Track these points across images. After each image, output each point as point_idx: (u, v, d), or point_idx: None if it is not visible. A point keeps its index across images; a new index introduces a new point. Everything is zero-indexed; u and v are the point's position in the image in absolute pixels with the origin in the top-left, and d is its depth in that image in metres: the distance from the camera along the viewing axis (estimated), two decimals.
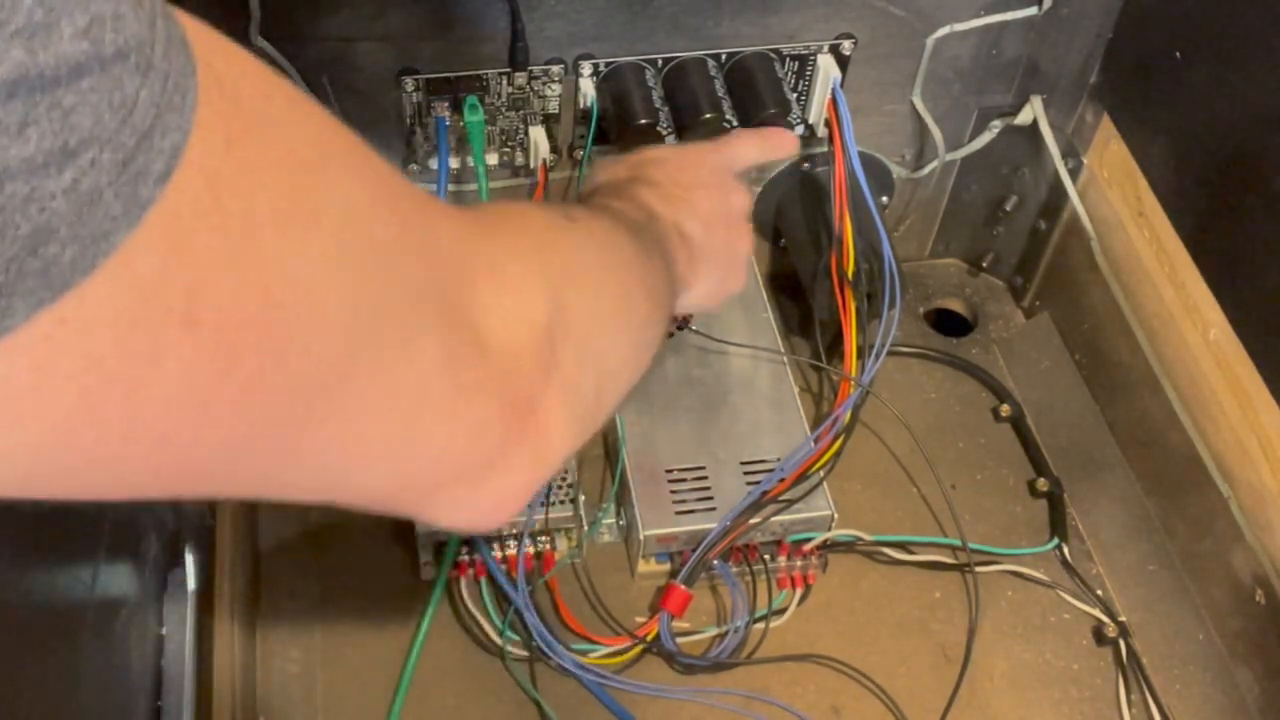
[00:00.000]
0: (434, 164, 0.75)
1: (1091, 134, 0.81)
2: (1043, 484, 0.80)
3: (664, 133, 0.72)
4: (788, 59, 0.75)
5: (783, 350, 0.81)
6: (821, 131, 0.77)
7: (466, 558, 0.73)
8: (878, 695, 0.71)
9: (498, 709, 0.70)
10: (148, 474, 0.25)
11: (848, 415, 0.75)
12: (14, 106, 0.19)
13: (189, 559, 0.55)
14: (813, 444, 0.74)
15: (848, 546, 0.76)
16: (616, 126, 0.73)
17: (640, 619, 0.73)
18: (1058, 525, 0.79)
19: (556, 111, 0.75)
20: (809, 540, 0.74)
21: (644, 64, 0.73)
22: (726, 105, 0.73)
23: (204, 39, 0.23)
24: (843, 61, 0.76)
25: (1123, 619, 0.74)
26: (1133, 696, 0.72)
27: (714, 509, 0.72)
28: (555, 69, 0.72)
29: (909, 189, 0.87)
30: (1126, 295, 0.80)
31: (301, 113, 0.26)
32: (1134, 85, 0.77)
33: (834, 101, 0.74)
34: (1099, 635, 0.74)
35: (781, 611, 0.74)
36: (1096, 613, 0.75)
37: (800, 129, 0.78)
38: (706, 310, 0.60)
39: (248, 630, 0.69)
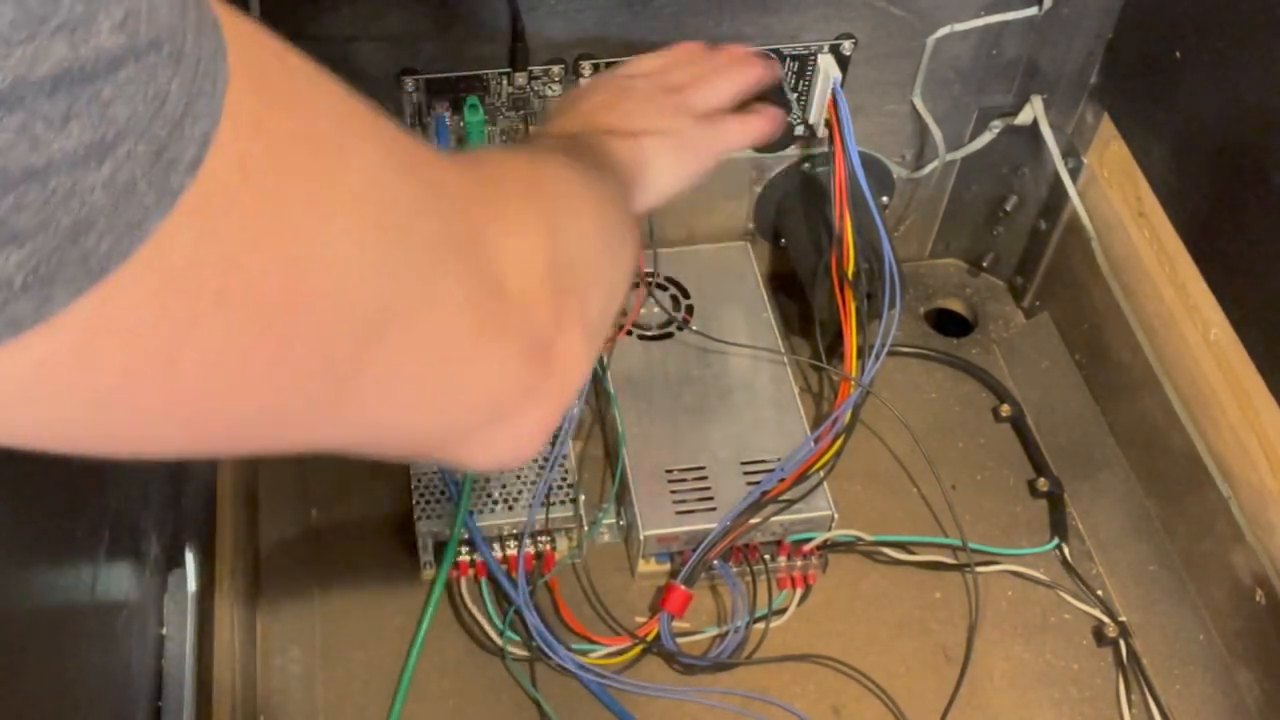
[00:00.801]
0: None
1: (1092, 134, 0.81)
2: (1043, 484, 0.80)
3: None
4: (788, 59, 0.75)
5: (783, 350, 0.81)
6: (822, 131, 0.77)
7: (467, 558, 0.73)
8: (878, 695, 0.71)
9: (497, 709, 0.70)
10: (191, 436, 0.26)
11: (848, 415, 0.75)
12: (58, 100, 0.19)
13: (189, 559, 0.55)
14: (813, 444, 0.74)
15: (848, 546, 0.76)
16: None
17: (640, 619, 0.73)
18: (1058, 525, 0.79)
19: None
20: (809, 540, 0.74)
21: None
22: None
23: (232, 20, 0.23)
24: (843, 62, 0.76)
25: (1123, 619, 0.74)
26: (1133, 696, 0.72)
27: (714, 509, 0.72)
28: (555, 69, 0.72)
29: (909, 189, 0.87)
30: (1126, 295, 0.80)
31: (322, 88, 0.27)
32: (1134, 85, 0.77)
33: (834, 101, 0.74)
34: (1099, 635, 0.74)
35: (782, 611, 0.74)
36: (1096, 613, 0.75)
37: (800, 129, 0.78)
38: (677, 193, 0.59)
39: (248, 630, 0.69)
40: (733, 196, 0.85)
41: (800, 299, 0.86)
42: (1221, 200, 0.70)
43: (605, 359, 0.79)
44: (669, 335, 0.81)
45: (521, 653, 0.71)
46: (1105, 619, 0.74)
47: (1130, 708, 0.71)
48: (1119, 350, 0.81)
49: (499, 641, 0.71)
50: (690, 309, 0.83)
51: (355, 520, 0.77)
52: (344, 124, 0.27)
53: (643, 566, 0.74)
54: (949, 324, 0.92)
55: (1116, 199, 0.79)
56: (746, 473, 0.74)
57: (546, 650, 0.70)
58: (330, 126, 0.27)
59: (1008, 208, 0.88)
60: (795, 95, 0.76)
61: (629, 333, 0.81)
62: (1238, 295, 0.69)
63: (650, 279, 0.83)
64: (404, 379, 0.30)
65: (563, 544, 0.75)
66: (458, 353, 0.32)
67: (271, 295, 0.24)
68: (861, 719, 0.71)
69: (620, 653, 0.71)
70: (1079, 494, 0.80)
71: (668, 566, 0.75)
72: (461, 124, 0.73)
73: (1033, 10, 0.76)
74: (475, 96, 0.72)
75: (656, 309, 0.82)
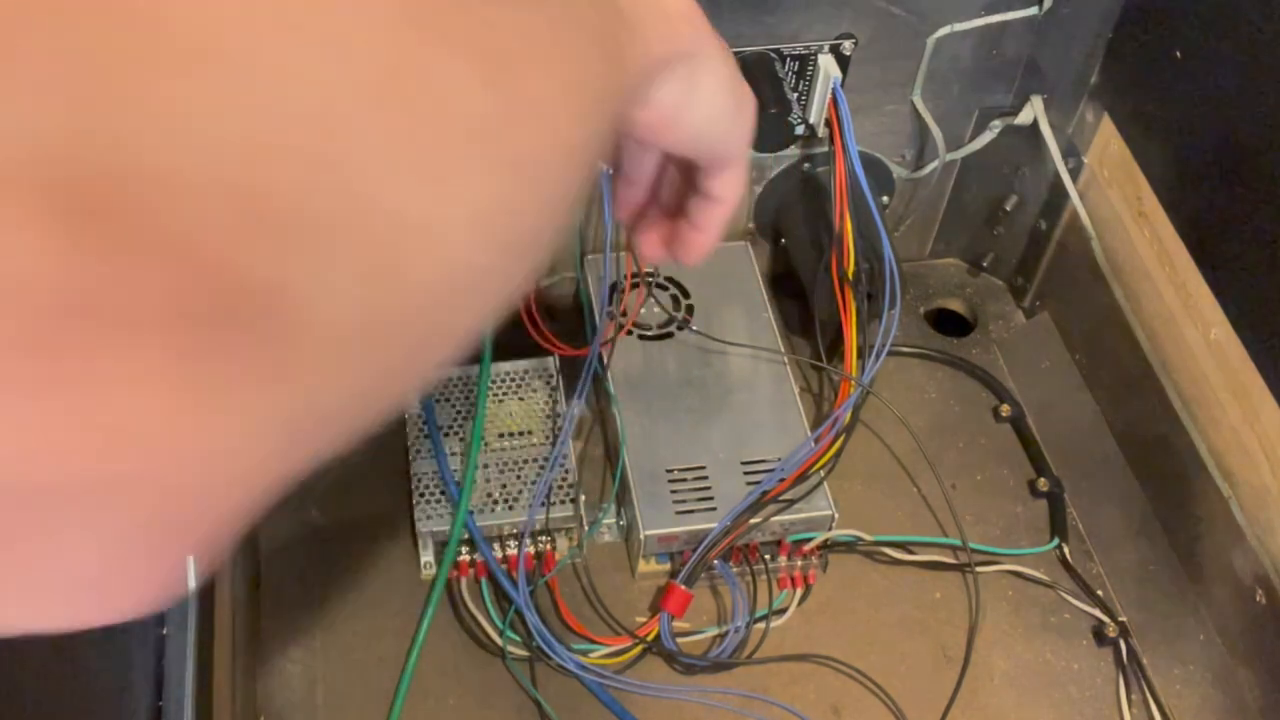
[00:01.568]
0: None
1: (1092, 134, 0.81)
2: (1043, 484, 0.80)
3: None
4: (788, 59, 0.75)
5: (783, 350, 0.81)
6: (822, 131, 0.77)
7: (467, 558, 0.73)
8: (878, 695, 0.71)
9: (498, 709, 0.70)
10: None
11: (848, 415, 0.75)
12: None
13: (189, 559, 0.55)
14: (813, 444, 0.75)
15: (848, 546, 0.76)
16: None
17: (640, 619, 0.73)
18: (1058, 525, 0.79)
19: None
20: (809, 540, 0.74)
21: None
22: None
23: None
24: (843, 61, 0.76)
25: (1123, 619, 0.74)
26: (1133, 696, 0.72)
27: (714, 509, 0.72)
28: None
29: (909, 189, 0.87)
30: (1127, 295, 0.80)
31: None
32: (1134, 85, 0.77)
33: (834, 101, 0.74)
34: (1099, 635, 0.74)
35: (782, 611, 0.74)
36: (1097, 613, 0.75)
37: (800, 129, 0.78)
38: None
39: (248, 630, 0.69)
40: None
41: (800, 299, 0.86)
42: (1221, 200, 0.70)
43: (605, 359, 0.79)
44: (669, 335, 0.81)
45: (522, 653, 0.71)
46: (1105, 619, 0.74)
47: (1130, 707, 0.71)
48: (1119, 350, 0.81)
49: (499, 641, 0.71)
50: (690, 309, 0.83)
51: (355, 520, 0.77)
52: None
53: (643, 566, 0.74)
54: (949, 324, 0.92)
55: (1116, 199, 0.79)
56: (747, 472, 0.74)
57: (547, 650, 0.70)
58: None
59: (1008, 208, 0.88)
60: (795, 95, 0.76)
61: (629, 333, 0.81)
62: (1238, 295, 0.69)
63: (650, 279, 0.83)
64: None
65: (563, 544, 0.75)
66: None
67: None
68: (861, 719, 0.71)
69: (620, 653, 0.71)
70: (1079, 494, 0.80)
71: (668, 566, 0.75)
72: None
73: (1033, 10, 0.76)
74: None
75: (656, 309, 0.82)
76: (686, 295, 0.84)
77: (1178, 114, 0.73)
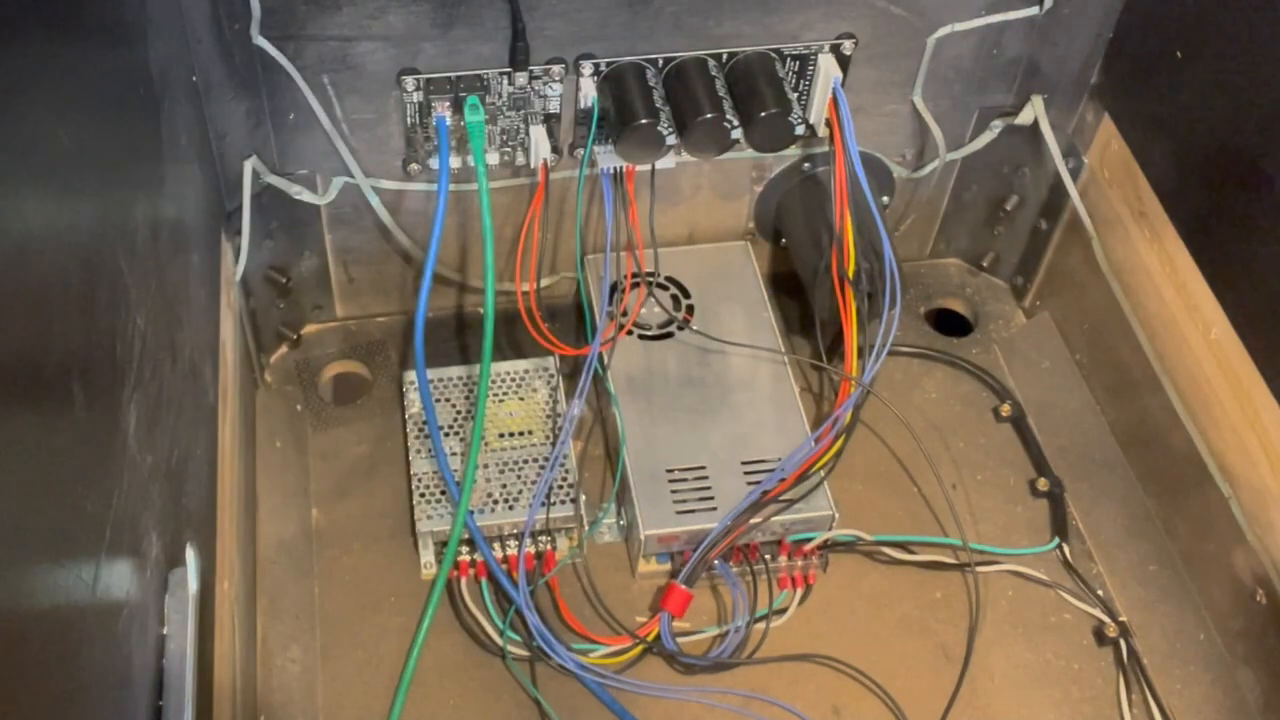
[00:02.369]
0: (435, 164, 0.76)
1: (1092, 134, 0.81)
2: (1043, 484, 0.80)
3: (665, 133, 0.72)
4: (788, 59, 0.75)
5: (783, 350, 0.81)
6: (822, 131, 0.77)
7: (467, 558, 0.73)
8: (878, 695, 0.71)
9: (498, 709, 0.70)
10: None
11: (848, 415, 0.75)
12: None
13: (189, 559, 0.55)
14: (813, 444, 0.74)
15: (848, 546, 0.76)
16: (617, 126, 0.73)
17: (641, 619, 0.73)
18: (1058, 525, 0.79)
19: (557, 111, 0.75)
20: (810, 540, 0.74)
21: (645, 64, 0.73)
22: (727, 105, 0.73)
23: None
24: (843, 61, 0.76)
25: (1123, 619, 0.74)
26: (1133, 696, 0.72)
27: (714, 509, 0.72)
28: (556, 69, 0.72)
29: (909, 189, 0.87)
30: (1127, 295, 0.80)
31: None
32: (1135, 85, 0.77)
33: (835, 101, 0.74)
34: (1100, 635, 0.74)
35: (782, 611, 0.74)
36: (1097, 613, 0.75)
37: (801, 129, 0.78)
38: None
39: (248, 630, 0.69)
40: (733, 196, 0.85)
41: (800, 299, 0.87)
42: (1221, 200, 0.70)
43: (606, 359, 0.79)
44: (669, 335, 0.81)
45: (522, 653, 0.71)
46: (1106, 619, 0.74)
47: (1130, 708, 0.71)
48: (1119, 350, 0.81)
49: (499, 641, 0.71)
50: (690, 309, 0.83)
51: (355, 520, 0.77)
52: None
53: (643, 566, 0.75)
54: (949, 324, 0.92)
55: (1117, 199, 0.79)
56: (747, 472, 0.74)
57: (547, 650, 0.70)
58: None
59: (1008, 207, 0.88)
60: (795, 95, 0.76)
61: (629, 333, 0.81)
62: (1238, 295, 0.69)
63: (650, 279, 0.83)
64: None
65: (563, 544, 0.75)
66: None
67: None
68: (861, 719, 0.71)
69: (621, 652, 0.71)
70: (1079, 494, 0.80)
71: (668, 566, 0.75)
72: (462, 124, 0.73)
73: (1033, 10, 0.76)
74: (476, 96, 0.72)
75: (657, 309, 0.82)
76: (686, 295, 0.84)
77: (1178, 114, 0.73)
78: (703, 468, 0.74)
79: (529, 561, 0.73)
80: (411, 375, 0.80)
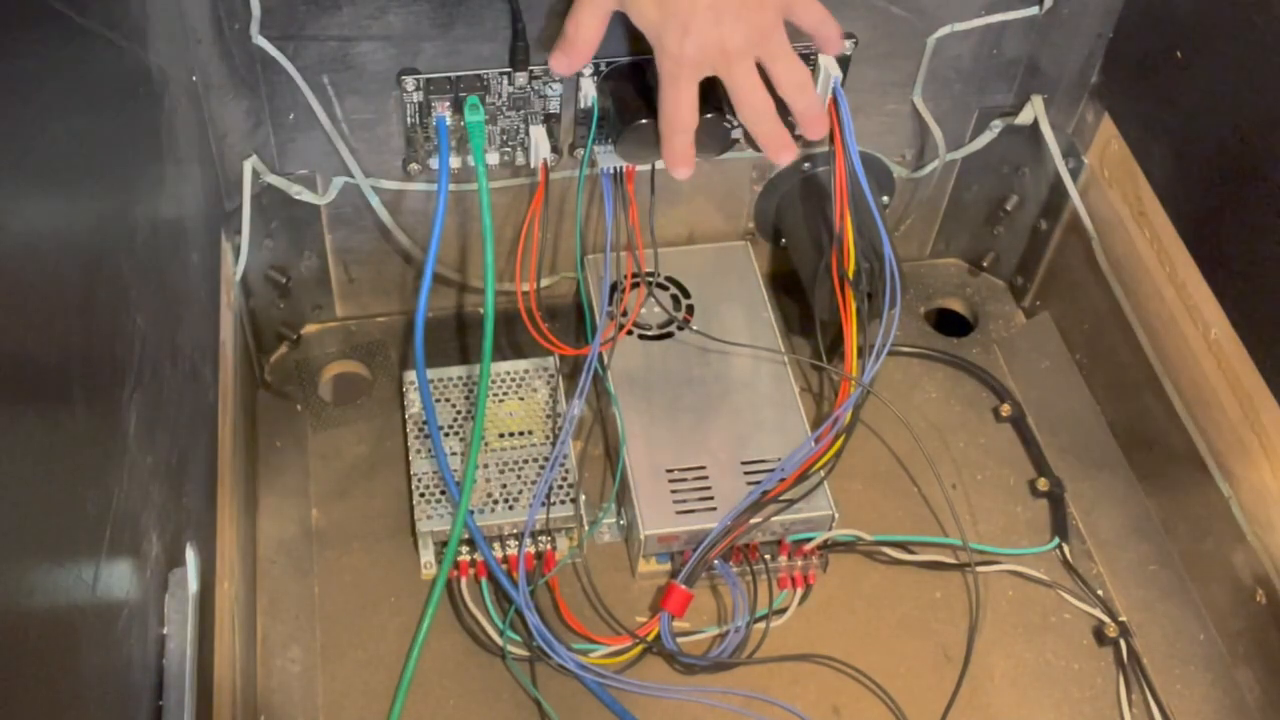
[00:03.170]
0: (434, 164, 0.75)
1: (1092, 134, 0.81)
2: (1043, 484, 0.80)
3: None
4: None
5: (783, 350, 0.81)
6: None
7: (467, 558, 0.73)
8: (878, 695, 0.71)
9: (498, 709, 0.70)
10: None
11: (848, 415, 0.75)
12: None
13: (189, 559, 0.55)
14: (813, 444, 0.74)
15: (848, 546, 0.76)
16: (617, 126, 0.73)
17: (641, 619, 0.73)
18: (1058, 525, 0.79)
19: (557, 111, 0.75)
20: (810, 540, 0.74)
21: (645, 63, 0.73)
22: (728, 105, 0.72)
23: None
24: (843, 61, 0.76)
25: (1123, 619, 0.74)
26: (1133, 696, 0.72)
27: (714, 509, 0.72)
28: None
29: (909, 189, 0.87)
30: (1127, 295, 0.80)
31: None
32: (1134, 85, 0.77)
33: (835, 101, 0.74)
34: (1100, 635, 0.74)
35: (782, 611, 0.74)
36: (1097, 613, 0.75)
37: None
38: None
39: (248, 630, 0.69)
40: (733, 196, 0.85)
41: (800, 299, 0.86)
42: (1221, 200, 0.70)
43: (606, 359, 0.79)
44: (669, 335, 0.81)
45: (522, 653, 0.71)
46: (1106, 619, 0.74)
47: (1130, 707, 0.71)
48: (1119, 350, 0.81)
49: (499, 641, 0.71)
50: (690, 309, 0.83)
51: (355, 520, 0.77)
52: None
53: (643, 566, 0.74)
54: (949, 324, 0.92)
55: (1117, 199, 0.79)
56: (747, 472, 0.74)
57: (547, 650, 0.70)
58: None
59: (1008, 207, 0.88)
60: None
61: (629, 333, 0.81)
62: (1238, 295, 0.69)
63: (650, 279, 0.83)
64: None
65: (563, 544, 0.75)
66: None
67: None
68: (862, 719, 0.71)
69: (621, 652, 0.71)
70: (1079, 494, 0.80)
71: (668, 566, 0.75)
72: (462, 124, 0.73)
73: (1033, 10, 0.76)
74: (476, 96, 0.72)
75: (657, 309, 0.82)
76: (686, 295, 0.84)
77: (1178, 114, 0.73)
78: (703, 468, 0.74)
79: (529, 561, 0.73)
80: (411, 375, 0.80)
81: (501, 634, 0.71)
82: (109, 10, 0.54)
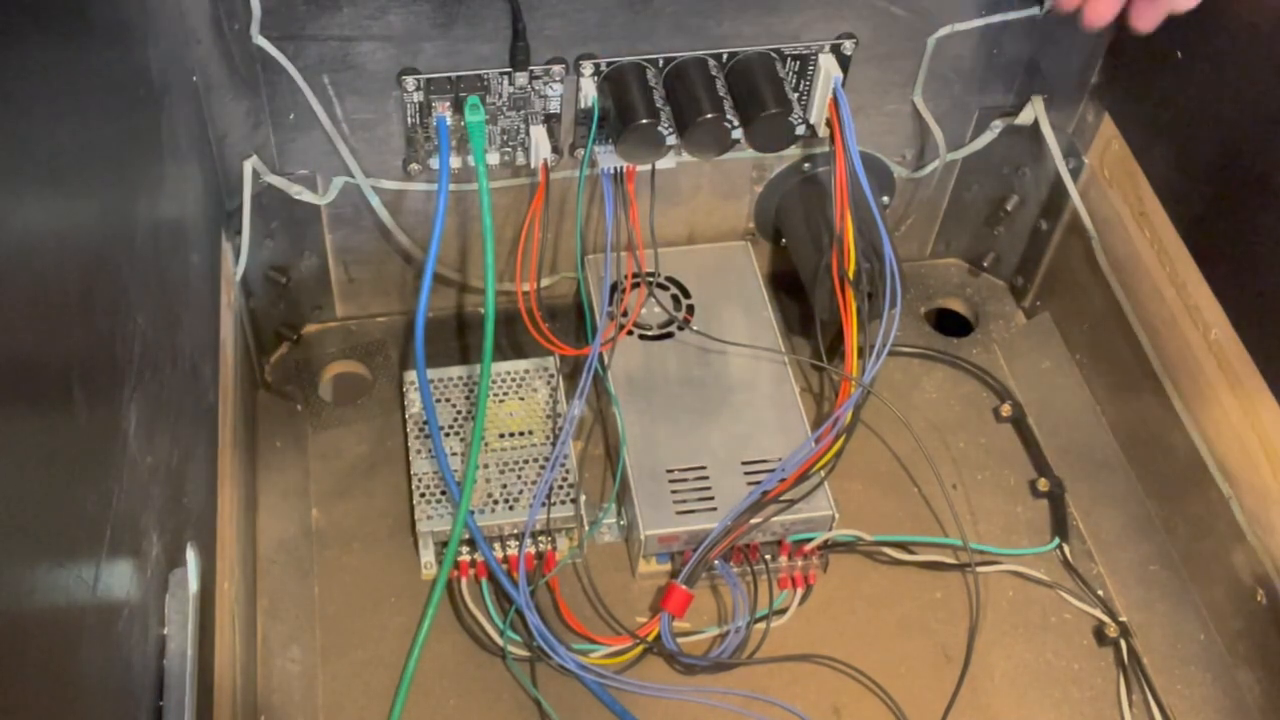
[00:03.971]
0: (435, 164, 0.75)
1: (1093, 134, 0.81)
2: (1044, 484, 0.80)
3: (665, 133, 0.72)
4: (789, 59, 0.75)
5: (783, 350, 0.81)
6: (822, 131, 0.77)
7: (467, 558, 0.73)
8: (878, 695, 0.71)
9: (498, 709, 0.70)
10: None
11: (849, 415, 0.75)
12: None
13: (190, 559, 0.55)
14: (814, 444, 0.74)
15: (849, 546, 0.76)
16: (618, 126, 0.73)
17: (641, 619, 0.73)
18: (1059, 525, 0.79)
19: (558, 111, 0.75)
20: (810, 540, 0.74)
21: (645, 63, 0.73)
22: (728, 105, 0.73)
23: None
24: (844, 61, 0.76)
25: (1124, 619, 0.74)
26: (1133, 697, 0.72)
27: (715, 509, 0.72)
28: (556, 69, 0.72)
29: (910, 189, 0.87)
30: (1127, 295, 0.80)
31: None
32: (1135, 85, 0.77)
33: (835, 101, 0.74)
34: (1100, 635, 0.74)
35: (782, 611, 0.74)
36: (1097, 613, 0.75)
37: (801, 129, 0.78)
38: None
39: (248, 630, 0.69)
40: (733, 196, 0.85)
41: (800, 299, 0.86)
42: (1222, 200, 0.70)
43: (606, 359, 0.79)
44: (669, 335, 0.81)
45: (522, 653, 0.71)
46: (1106, 619, 0.74)
47: (1131, 708, 0.71)
48: (1119, 350, 0.81)
49: (500, 642, 0.71)
50: (691, 309, 0.83)
51: (355, 520, 0.77)
52: None
53: (643, 566, 0.74)
54: (949, 324, 0.92)
55: (1117, 199, 0.79)
56: (747, 472, 0.74)
57: (547, 650, 0.70)
58: None
59: (1008, 208, 0.88)
60: (796, 95, 0.76)
61: (629, 333, 0.81)
62: (1238, 295, 0.69)
63: (650, 279, 0.83)
64: None
65: (563, 544, 0.75)
66: None
67: None
68: (862, 719, 0.71)
69: (621, 653, 0.71)
70: (1079, 494, 0.80)
71: (668, 566, 0.75)
72: (462, 124, 0.73)
73: (1034, 10, 0.76)
74: (476, 96, 0.72)
75: (657, 309, 0.82)
76: (687, 295, 0.84)
77: (1178, 114, 0.73)
78: (703, 468, 0.74)
79: (529, 562, 0.73)
80: (412, 375, 0.80)
81: (502, 634, 0.71)
82: (109, 10, 0.54)
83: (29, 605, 0.37)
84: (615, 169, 0.75)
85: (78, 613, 0.41)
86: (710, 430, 0.76)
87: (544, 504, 0.73)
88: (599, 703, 0.69)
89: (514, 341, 0.84)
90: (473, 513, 0.72)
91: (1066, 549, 0.78)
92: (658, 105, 0.72)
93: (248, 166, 0.73)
